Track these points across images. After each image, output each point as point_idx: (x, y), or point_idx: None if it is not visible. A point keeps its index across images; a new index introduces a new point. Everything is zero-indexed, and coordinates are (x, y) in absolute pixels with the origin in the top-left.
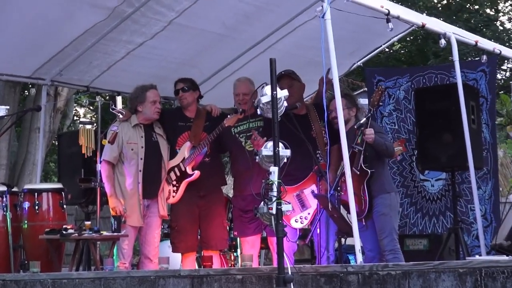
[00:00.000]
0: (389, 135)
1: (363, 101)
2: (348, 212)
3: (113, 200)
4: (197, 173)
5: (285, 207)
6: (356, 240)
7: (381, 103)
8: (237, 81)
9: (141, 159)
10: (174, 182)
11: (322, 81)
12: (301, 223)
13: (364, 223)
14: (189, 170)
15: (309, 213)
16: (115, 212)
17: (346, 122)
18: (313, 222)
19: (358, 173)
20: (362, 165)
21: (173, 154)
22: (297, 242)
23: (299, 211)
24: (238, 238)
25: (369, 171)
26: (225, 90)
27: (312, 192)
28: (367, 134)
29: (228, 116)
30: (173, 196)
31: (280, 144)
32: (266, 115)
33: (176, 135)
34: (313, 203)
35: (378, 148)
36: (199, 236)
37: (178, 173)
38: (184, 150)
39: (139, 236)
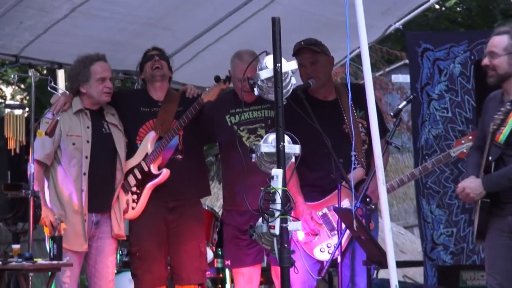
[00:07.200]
0: (439, 126)
1: (402, 78)
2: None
3: (42, 209)
4: (165, 172)
5: (292, 226)
6: (391, 273)
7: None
8: (238, 59)
9: (86, 157)
10: (134, 189)
11: None
12: (329, 253)
13: None
14: (154, 169)
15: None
16: (44, 224)
17: (504, 79)
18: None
19: None
20: None
21: (132, 150)
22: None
23: (327, 236)
24: (226, 269)
25: None
26: (208, 63)
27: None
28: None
29: (207, 89)
30: (133, 208)
31: (286, 138)
32: (266, 96)
33: (137, 125)
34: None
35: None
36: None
37: (139, 176)
38: (147, 143)
39: (87, 266)
